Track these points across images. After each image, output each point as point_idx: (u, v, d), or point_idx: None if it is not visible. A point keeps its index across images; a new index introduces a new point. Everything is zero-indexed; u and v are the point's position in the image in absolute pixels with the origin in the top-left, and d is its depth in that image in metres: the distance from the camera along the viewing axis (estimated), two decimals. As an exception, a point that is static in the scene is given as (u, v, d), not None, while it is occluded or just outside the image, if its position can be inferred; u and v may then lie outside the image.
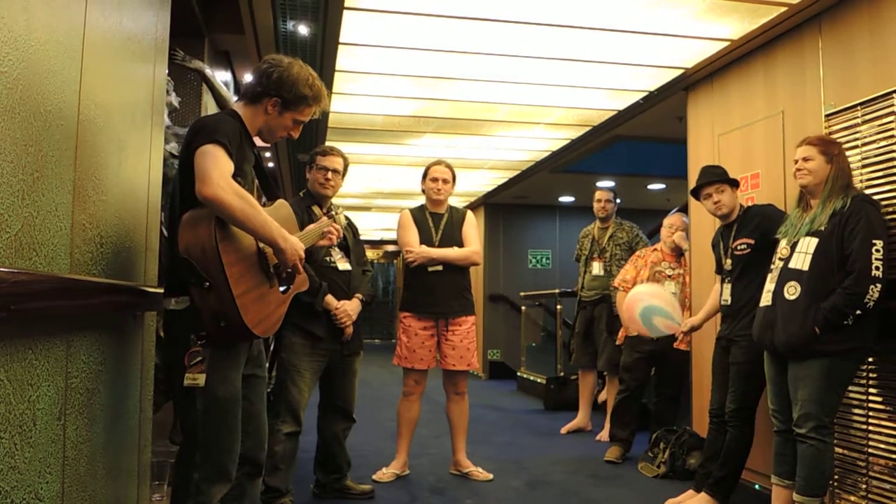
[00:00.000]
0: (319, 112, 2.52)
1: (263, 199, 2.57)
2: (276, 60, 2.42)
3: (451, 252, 4.31)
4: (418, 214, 4.44)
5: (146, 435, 2.80)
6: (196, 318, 2.15)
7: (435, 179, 4.39)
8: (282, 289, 2.44)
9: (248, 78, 2.55)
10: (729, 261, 3.73)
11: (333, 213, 3.22)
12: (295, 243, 2.32)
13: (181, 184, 2.27)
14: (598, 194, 5.95)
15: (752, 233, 3.65)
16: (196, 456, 2.22)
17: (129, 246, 2.43)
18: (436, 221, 4.41)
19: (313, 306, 3.58)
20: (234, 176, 2.17)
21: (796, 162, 3.22)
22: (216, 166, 2.11)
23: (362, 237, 4.14)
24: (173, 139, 3.65)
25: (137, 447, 2.63)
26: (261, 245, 2.29)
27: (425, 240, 4.34)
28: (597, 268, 5.87)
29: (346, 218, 3.61)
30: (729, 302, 3.71)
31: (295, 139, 2.55)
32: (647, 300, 4.21)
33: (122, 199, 2.35)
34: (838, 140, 3.35)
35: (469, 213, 4.53)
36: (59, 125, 1.73)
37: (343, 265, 3.79)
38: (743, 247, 3.66)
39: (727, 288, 3.74)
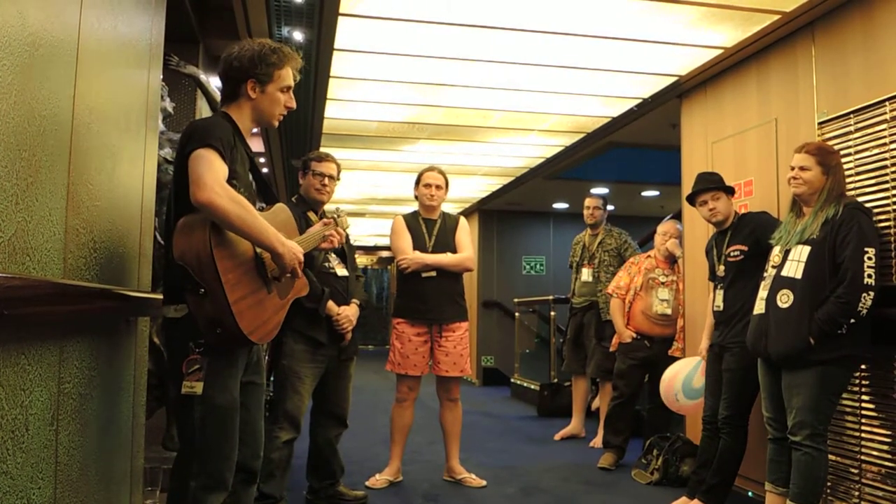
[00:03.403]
0: (298, 71, 2.46)
1: (261, 204, 2.55)
2: (228, 53, 2.39)
3: (445, 258, 4.31)
4: (411, 220, 4.44)
5: (139, 440, 2.79)
6: (194, 326, 2.13)
7: (428, 185, 4.40)
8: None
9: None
10: (722, 267, 3.74)
11: (337, 216, 3.21)
12: (293, 247, 2.30)
13: (176, 189, 2.24)
14: (586, 201, 6.00)
15: (746, 239, 3.66)
16: (193, 464, 2.20)
17: (122, 251, 2.43)
18: (429, 227, 4.41)
19: (316, 312, 3.57)
20: (229, 179, 2.15)
21: (792, 169, 3.21)
22: (210, 170, 2.09)
23: (356, 243, 4.14)
24: (167, 144, 3.65)
25: (130, 452, 2.62)
26: (258, 250, 2.26)
27: (419, 246, 4.33)
28: (586, 274, 5.89)
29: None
30: (721, 308, 3.72)
31: (294, 109, 2.51)
32: (676, 387, 4.25)
33: (115, 204, 2.34)
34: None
35: (462, 219, 4.54)
36: (52, 130, 1.72)
37: (341, 271, 3.78)
38: (736, 253, 3.67)
39: (719, 294, 3.75)
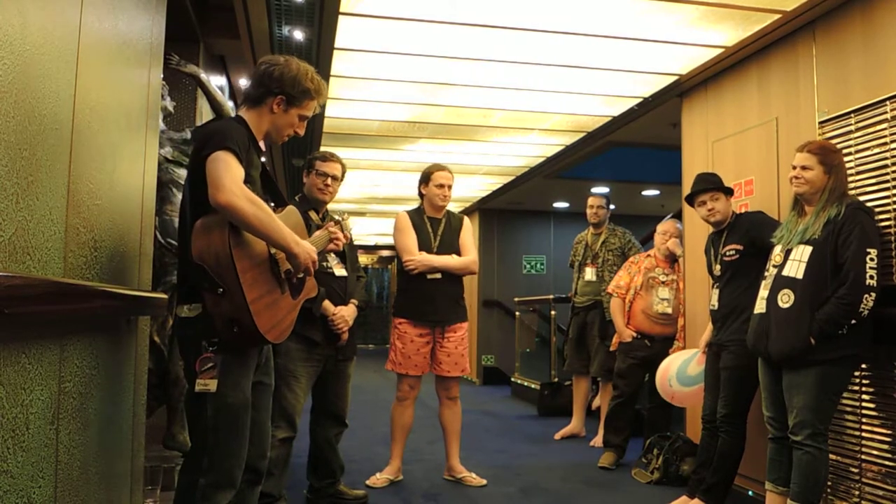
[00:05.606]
0: (319, 106, 2.55)
1: (271, 205, 2.58)
2: (273, 60, 2.46)
3: (452, 261, 4.30)
4: (416, 218, 4.40)
5: (139, 439, 2.80)
6: (208, 325, 2.17)
7: (441, 185, 4.35)
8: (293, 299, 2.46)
9: (243, 83, 2.58)
10: (718, 266, 3.75)
11: (341, 218, 3.23)
12: (307, 247, 2.36)
13: (191, 191, 2.28)
14: (590, 200, 6.00)
15: (741, 239, 3.67)
16: (203, 461, 2.22)
17: (122, 250, 2.43)
18: (434, 227, 4.39)
19: (310, 311, 3.57)
20: (244, 182, 2.20)
21: (794, 168, 3.21)
22: (228, 173, 2.13)
23: (357, 242, 4.14)
24: (168, 143, 3.65)
25: (130, 452, 2.62)
26: (272, 251, 2.32)
27: (424, 245, 4.31)
28: (589, 273, 5.89)
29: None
30: (716, 307, 3.73)
31: (301, 136, 2.57)
32: (671, 372, 4.25)
33: (116, 203, 2.35)
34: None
35: (466, 220, 4.52)
36: (53, 129, 1.72)
37: (339, 271, 3.78)
38: (732, 252, 3.68)
39: (715, 293, 3.76)
